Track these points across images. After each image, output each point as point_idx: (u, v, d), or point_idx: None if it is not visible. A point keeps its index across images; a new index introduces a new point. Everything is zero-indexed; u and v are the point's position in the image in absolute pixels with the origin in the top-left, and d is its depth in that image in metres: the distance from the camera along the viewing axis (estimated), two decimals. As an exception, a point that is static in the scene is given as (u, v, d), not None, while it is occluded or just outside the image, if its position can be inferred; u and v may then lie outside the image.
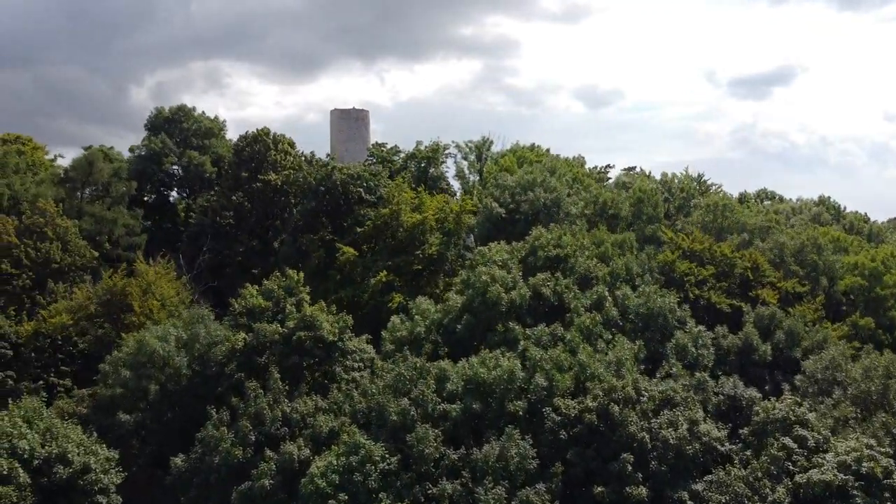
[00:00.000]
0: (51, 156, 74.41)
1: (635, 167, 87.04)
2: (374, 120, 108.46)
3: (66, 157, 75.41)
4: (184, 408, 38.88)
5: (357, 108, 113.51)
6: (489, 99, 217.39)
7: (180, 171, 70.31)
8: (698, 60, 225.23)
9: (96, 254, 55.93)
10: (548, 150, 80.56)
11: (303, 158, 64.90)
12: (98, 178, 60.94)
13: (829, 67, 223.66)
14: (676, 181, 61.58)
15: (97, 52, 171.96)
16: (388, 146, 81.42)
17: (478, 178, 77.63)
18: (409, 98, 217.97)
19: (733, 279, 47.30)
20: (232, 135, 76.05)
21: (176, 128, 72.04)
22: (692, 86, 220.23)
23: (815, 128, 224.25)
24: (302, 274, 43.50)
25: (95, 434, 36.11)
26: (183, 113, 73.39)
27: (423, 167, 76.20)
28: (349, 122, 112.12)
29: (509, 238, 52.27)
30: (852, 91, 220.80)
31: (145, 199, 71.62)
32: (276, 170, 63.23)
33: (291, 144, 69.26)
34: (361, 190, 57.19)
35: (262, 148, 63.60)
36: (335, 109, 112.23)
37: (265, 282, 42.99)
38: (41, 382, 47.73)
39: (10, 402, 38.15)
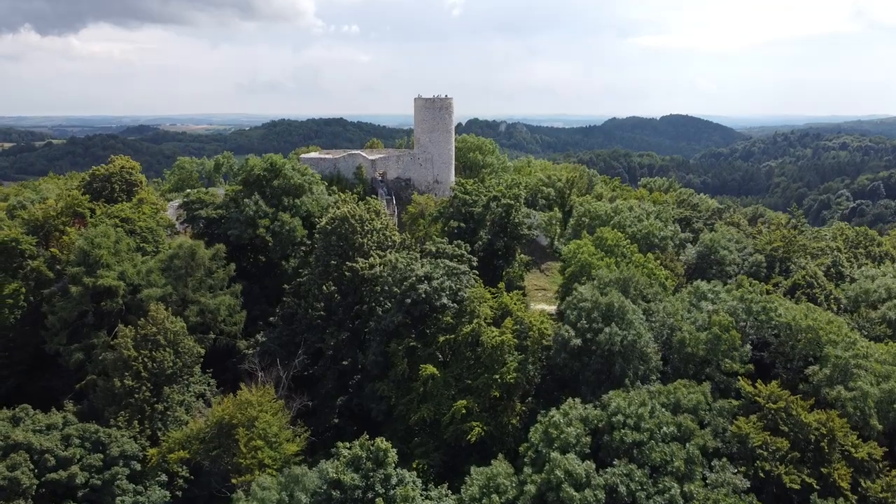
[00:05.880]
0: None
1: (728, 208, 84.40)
2: None
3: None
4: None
5: (440, 96, 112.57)
6: None
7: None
8: None
9: (203, 351, 61.24)
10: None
11: (388, 255, 66.09)
12: (200, 262, 65.02)
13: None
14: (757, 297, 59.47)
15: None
16: (470, 185, 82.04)
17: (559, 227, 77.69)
18: None
19: (808, 445, 47.83)
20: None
21: (267, 187, 74.73)
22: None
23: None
24: (389, 444, 46.99)
25: None
26: (274, 170, 75.64)
27: (503, 214, 77.03)
28: (433, 111, 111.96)
29: (584, 372, 54.22)
30: None
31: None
32: (362, 252, 65.73)
33: (377, 212, 71.23)
34: (444, 296, 59.19)
35: (349, 230, 65.81)
36: (419, 98, 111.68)
37: (356, 446, 46.89)
38: (164, 476, 55.45)
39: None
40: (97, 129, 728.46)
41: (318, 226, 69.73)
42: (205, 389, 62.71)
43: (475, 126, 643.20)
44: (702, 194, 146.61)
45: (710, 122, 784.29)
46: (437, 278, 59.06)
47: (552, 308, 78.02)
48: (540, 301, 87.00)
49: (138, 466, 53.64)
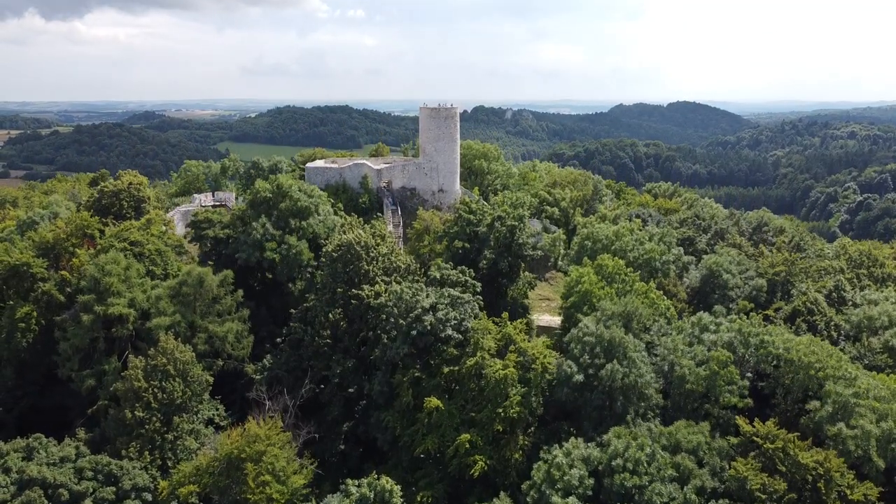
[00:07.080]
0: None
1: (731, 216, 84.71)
2: None
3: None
4: None
5: (446, 105, 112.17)
6: None
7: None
8: None
9: (211, 379, 62.36)
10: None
11: (394, 284, 66.59)
12: (208, 289, 65.98)
13: None
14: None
15: None
16: (474, 205, 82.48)
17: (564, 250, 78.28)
18: None
19: (805, 484, 48.75)
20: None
21: (274, 209, 75.49)
22: None
23: None
24: (394, 483, 48.15)
25: None
26: (280, 193, 76.35)
27: (507, 234, 77.46)
28: (438, 120, 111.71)
29: (585, 407, 55.18)
30: None
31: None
32: (368, 279, 66.55)
33: (382, 237, 71.96)
34: (449, 327, 60.06)
35: (354, 256, 66.57)
36: (424, 107, 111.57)
37: (364, 486, 48.09)
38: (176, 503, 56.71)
39: None
40: (103, 115, 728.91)
41: (324, 249, 70.51)
42: (213, 415, 63.89)
43: (481, 113, 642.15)
44: (707, 197, 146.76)
45: (718, 110, 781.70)
46: (443, 308, 59.91)
47: (556, 319, 78.95)
48: (544, 311, 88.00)
49: (150, 498, 54.93)
